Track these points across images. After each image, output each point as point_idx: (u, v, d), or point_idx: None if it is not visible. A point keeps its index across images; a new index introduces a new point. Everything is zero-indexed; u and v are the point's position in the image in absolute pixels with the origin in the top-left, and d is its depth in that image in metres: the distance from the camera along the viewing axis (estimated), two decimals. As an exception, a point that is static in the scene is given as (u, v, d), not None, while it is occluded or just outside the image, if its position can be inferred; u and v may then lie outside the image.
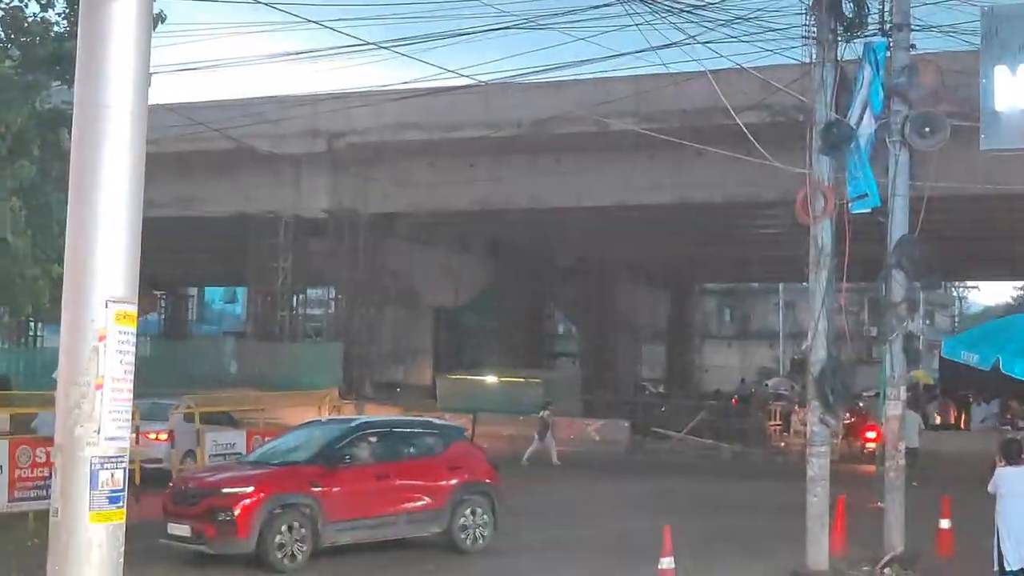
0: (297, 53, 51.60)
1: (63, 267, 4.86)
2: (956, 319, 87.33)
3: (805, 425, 17.44)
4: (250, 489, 14.47)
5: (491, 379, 39.72)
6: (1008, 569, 11.82)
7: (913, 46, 15.23)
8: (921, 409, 34.37)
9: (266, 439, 19.20)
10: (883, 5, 15.01)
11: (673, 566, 12.26)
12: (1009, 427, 31.64)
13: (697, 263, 56.66)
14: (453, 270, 43.97)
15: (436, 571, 14.93)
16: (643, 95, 29.73)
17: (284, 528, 14.29)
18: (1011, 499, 11.86)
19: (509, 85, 28.14)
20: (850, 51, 14.82)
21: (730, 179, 32.12)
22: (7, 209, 15.37)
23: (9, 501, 16.20)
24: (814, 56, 14.42)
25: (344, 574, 14.56)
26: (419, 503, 15.72)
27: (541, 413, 30.87)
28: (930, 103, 14.92)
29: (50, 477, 4.76)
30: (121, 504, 4.76)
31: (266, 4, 16.19)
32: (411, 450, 16.31)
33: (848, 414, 33.02)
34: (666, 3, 15.88)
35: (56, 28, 17.47)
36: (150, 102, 5.00)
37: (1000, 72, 13.87)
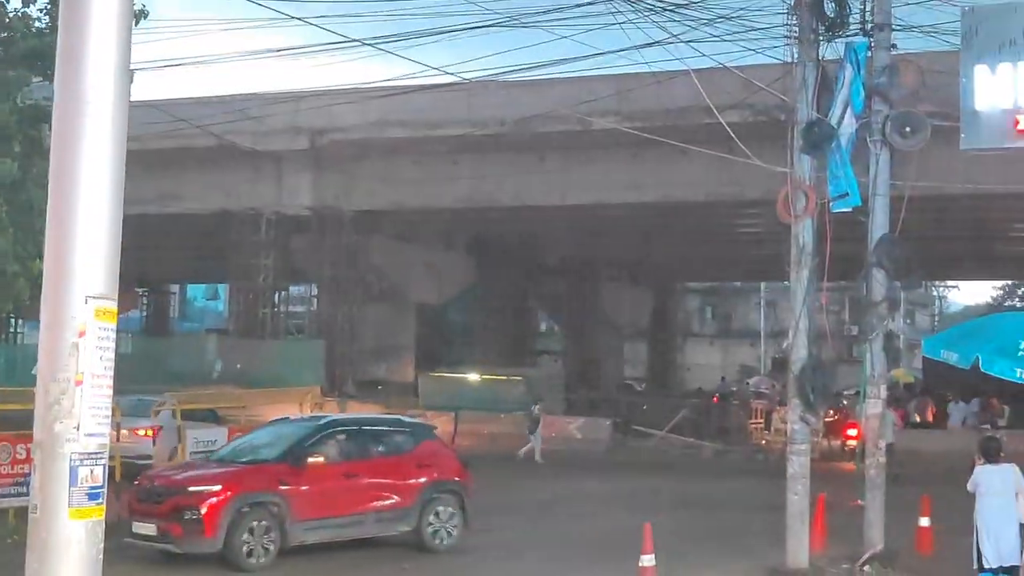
0: (280, 50, 51.46)
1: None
2: (936, 318, 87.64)
3: (786, 423, 17.48)
4: (217, 488, 14.32)
5: (473, 377, 39.70)
6: (987, 567, 11.87)
7: (894, 46, 15.29)
8: (903, 408, 34.56)
9: (246, 437, 19.10)
10: (864, 5, 15.07)
11: (653, 563, 12.29)
12: (989, 426, 31.79)
13: (680, 262, 56.73)
14: (436, 268, 43.92)
15: (412, 570, 14.91)
16: (626, 94, 29.77)
17: (251, 527, 14.17)
18: (990, 497, 11.91)
19: (493, 83, 28.15)
20: (832, 51, 14.88)
21: (712, 178, 32.20)
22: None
23: (-10, 498, 16.12)
24: (796, 55, 14.46)
25: (317, 573, 14.49)
26: (388, 502, 15.62)
27: (533, 408, 31.03)
28: (911, 103, 14.99)
29: (31, 474, 4.73)
30: (101, 501, 4.74)
31: (250, 0, 16.14)
32: (380, 448, 16.19)
33: (833, 412, 33.22)
34: (649, 2, 15.93)
35: (37, 23, 17.41)
36: (132, 98, 4.99)
37: (980, 71, 13.93)
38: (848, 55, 14.62)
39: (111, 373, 4.81)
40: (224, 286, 59.05)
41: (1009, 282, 76.15)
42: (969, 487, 12.22)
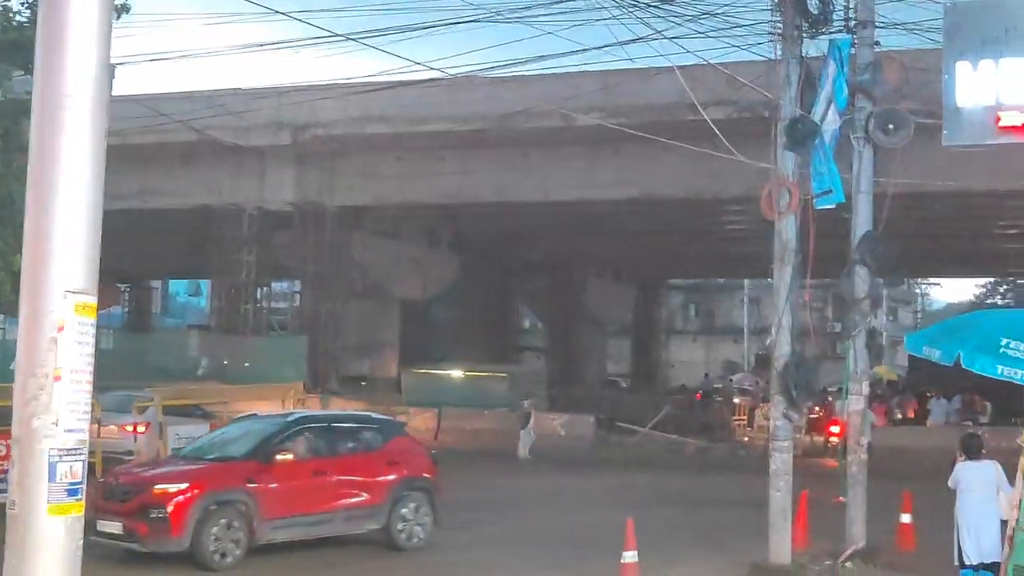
0: (263, 45, 51.35)
1: (25, 259, 4.80)
2: (919, 315, 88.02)
3: (769, 420, 17.53)
4: (184, 486, 14.06)
5: (457, 373, 39.69)
6: (967, 563, 11.92)
7: (877, 43, 15.31)
8: (886, 404, 34.71)
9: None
10: (848, 2, 15.10)
11: (636, 559, 12.30)
12: (970, 422, 31.94)
13: (663, 258, 56.80)
14: (420, 264, 43.85)
15: (386, 568, 14.84)
16: (610, 90, 29.75)
17: (219, 526, 13.96)
18: (970, 494, 11.96)
19: (476, 79, 28.08)
20: (815, 48, 14.91)
21: (696, 174, 32.19)
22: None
23: (-32, 494, 16.00)
24: (780, 52, 14.48)
25: (286, 572, 14.34)
26: (357, 499, 15.44)
27: (524, 403, 31.17)
28: (894, 100, 15.02)
29: (8, 470, 4.70)
30: (80, 497, 4.71)
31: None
32: (350, 445, 16.02)
33: (818, 408, 33.34)
34: (633, -2, 15.91)
35: (18, 17, 17.30)
36: (113, 93, 4.95)
37: (962, 68, 13.93)
38: (832, 52, 14.64)
39: (91, 368, 4.78)
40: (206, 282, 58.81)
41: (991, 279, 76.59)
42: (950, 483, 12.27)
